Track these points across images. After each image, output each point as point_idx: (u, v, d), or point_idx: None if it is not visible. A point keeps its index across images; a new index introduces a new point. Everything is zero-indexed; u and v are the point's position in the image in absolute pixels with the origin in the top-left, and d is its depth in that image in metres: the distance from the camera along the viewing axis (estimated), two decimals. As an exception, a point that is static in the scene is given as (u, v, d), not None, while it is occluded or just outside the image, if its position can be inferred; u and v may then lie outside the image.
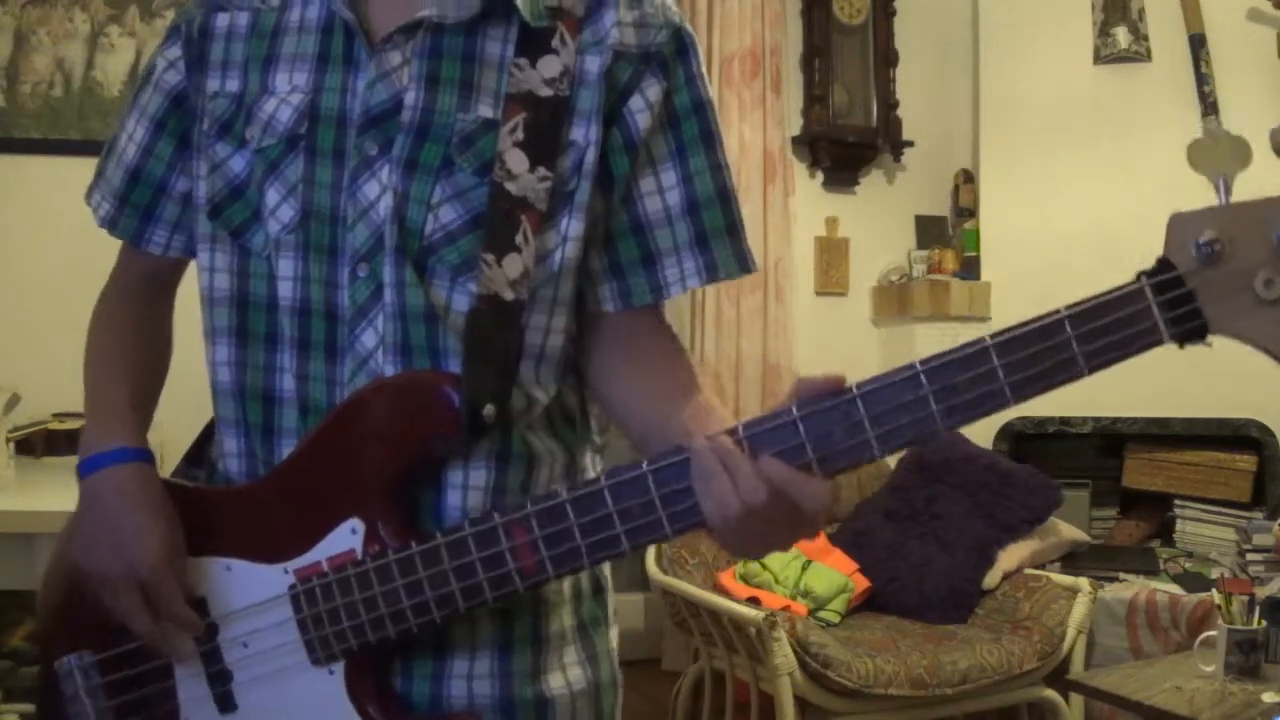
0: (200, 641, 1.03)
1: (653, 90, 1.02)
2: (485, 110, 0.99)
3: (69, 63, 3.58)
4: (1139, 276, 0.80)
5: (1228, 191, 0.80)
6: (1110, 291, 0.80)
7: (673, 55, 1.03)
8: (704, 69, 1.06)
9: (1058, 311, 0.80)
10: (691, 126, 1.04)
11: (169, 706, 1.05)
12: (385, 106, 0.99)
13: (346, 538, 0.97)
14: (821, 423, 0.84)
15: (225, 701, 1.03)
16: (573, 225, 1.00)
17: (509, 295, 0.98)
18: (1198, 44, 3.93)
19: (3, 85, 3.53)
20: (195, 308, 1.10)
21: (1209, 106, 3.88)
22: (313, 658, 0.99)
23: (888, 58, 4.34)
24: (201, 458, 1.15)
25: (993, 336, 0.81)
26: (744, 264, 1.07)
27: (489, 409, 0.96)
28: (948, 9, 4.42)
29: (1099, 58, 4.07)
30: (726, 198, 1.06)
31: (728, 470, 0.85)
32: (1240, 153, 0.81)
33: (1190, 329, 0.79)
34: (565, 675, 1.05)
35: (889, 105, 4.35)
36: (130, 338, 1.15)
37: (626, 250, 1.04)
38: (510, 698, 1.02)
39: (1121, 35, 4.01)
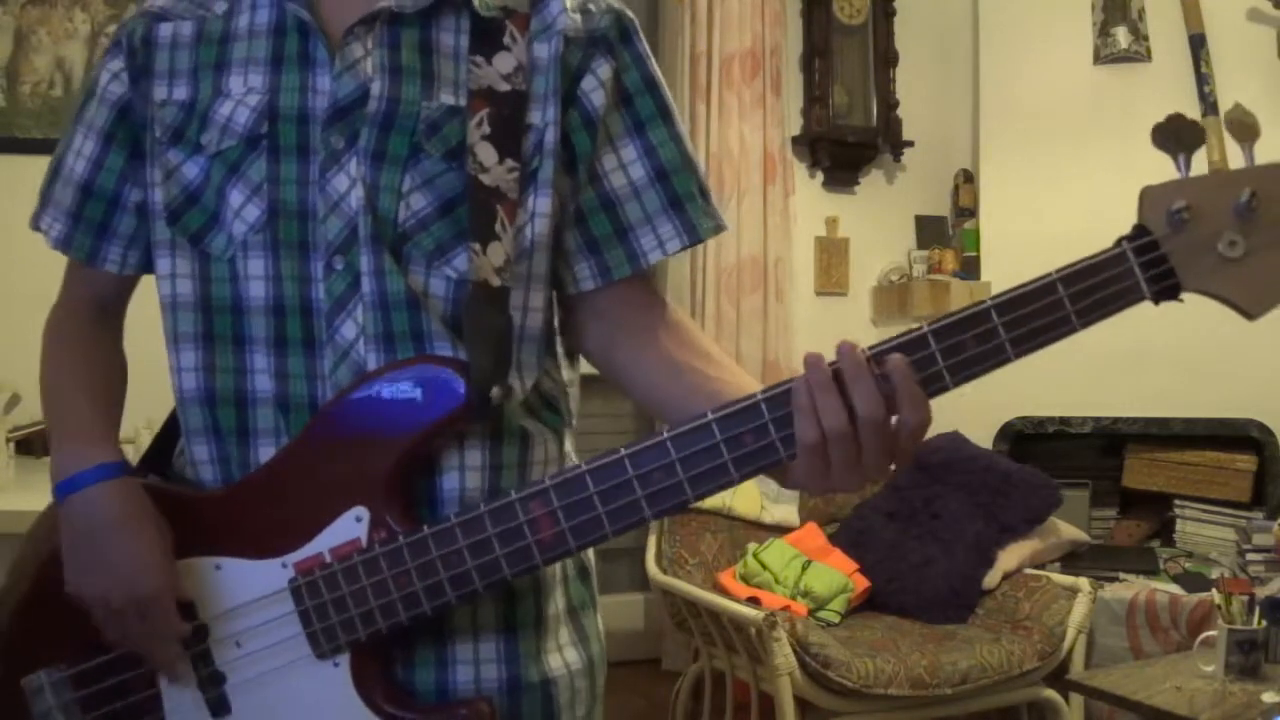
0: (189, 645, 1.01)
1: (603, 69, 1.05)
2: (448, 98, 1.02)
3: (69, 63, 3.58)
4: (1119, 242, 0.89)
5: (1187, 167, 0.91)
6: (1095, 255, 0.89)
7: (617, 39, 1.07)
8: (649, 51, 1.10)
9: (1050, 274, 0.89)
10: (646, 103, 1.08)
11: (154, 717, 1.04)
12: (354, 97, 1.01)
13: (351, 526, 0.97)
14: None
15: (219, 705, 1.02)
16: (539, 202, 1.03)
17: (496, 281, 1.00)
18: (1198, 44, 3.93)
19: (3, 85, 3.54)
20: (148, 314, 1.08)
21: (1209, 106, 3.88)
22: (317, 651, 0.98)
23: (888, 58, 4.33)
24: (159, 461, 1.13)
25: (993, 299, 0.90)
26: (718, 223, 1.10)
27: (496, 391, 0.98)
28: (948, 9, 4.42)
29: (1099, 58, 4.07)
30: (692, 165, 1.09)
31: (850, 381, 0.89)
32: (1195, 135, 0.93)
33: (1166, 287, 0.88)
34: (562, 655, 1.07)
35: (889, 105, 4.34)
36: (90, 355, 1.13)
37: (598, 226, 1.07)
38: (517, 679, 1.03)
39: (1121, 35, 4.01)
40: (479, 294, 1.00)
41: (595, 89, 1.05)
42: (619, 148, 1.07)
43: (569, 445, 1.13)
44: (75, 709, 1.05)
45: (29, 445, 2.86)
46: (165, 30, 1.08)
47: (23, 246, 3.31)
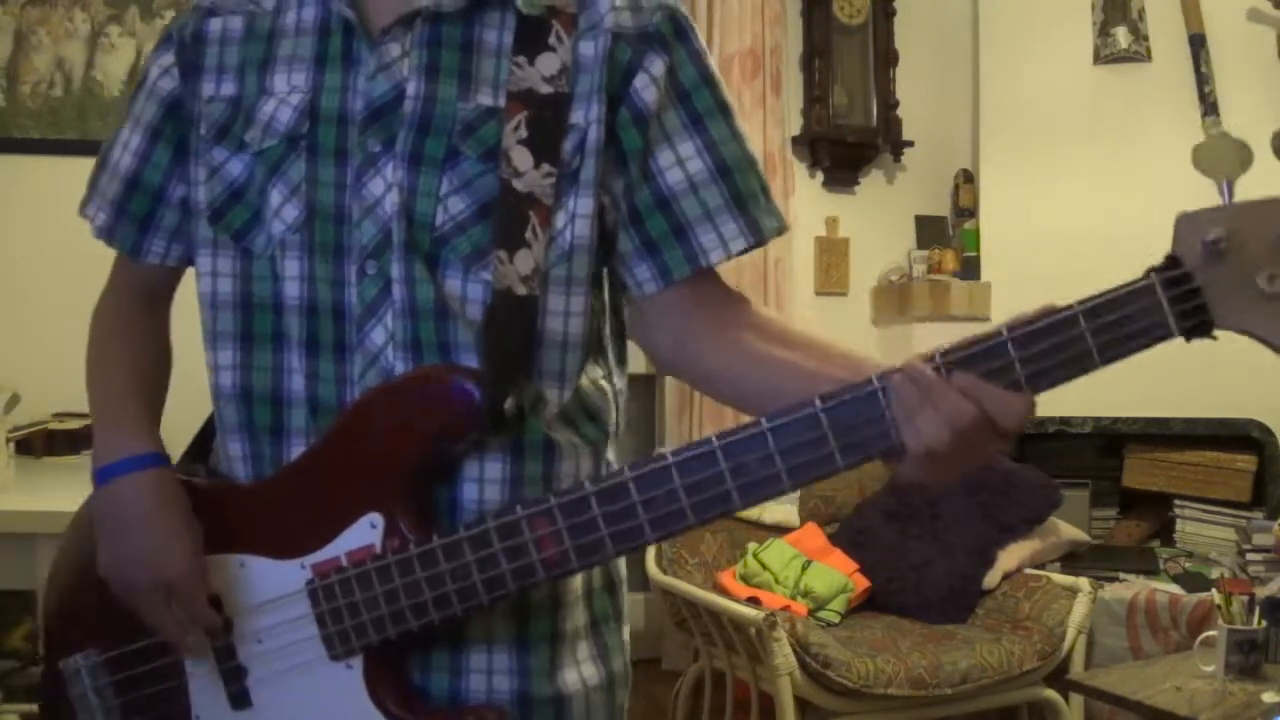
0: (215, 638, 1.03)
1: (656, 66, 1.02)
2: (485, 99, 1.00)
3: (69, 63, 3.58)
4: (1148, 273, 0.82)
5: (1230, 192, 0.83)
6: (1122, 287, 0.83)
7: (671, 35, 1.03)
8: (706, 48, 1.06)
9: (1071, 306, 0.83)
10: (704, 97, 1.04)
11: (180, 705, 1.05)
12: (388, 98, 1.00)
13: (365, 532, 0.98)
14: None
15: (239, 698, 1.03)
16: (580, 203, 1.01)
17: (521, 290, 0.98)
18: (1198, 44, 3.92)
19: (3, 85, 3.53)
20: (194, 308, 1.09)
21: (1209, 106, 3.88)
22: (331, 653, 0.99)
23: (888, 58, 4.34)
24: (203, 454, 1.15)
25: (1009, 330, 0.84)
26: (780, 223, 1.06)
27: (509, 403, 0.97)
28: (948, 9, 4.42)
29: (1099, 58, 4.07)
30: (754, 162, 1.06)
31: (930, 400, 0.84)
32: (1243, 156, 0.85)
33: (1197, 323, 0.82)
34: (580, 671, 1.05)
35: (889, 105, 4.34)
36: (134, 344, 1.15)
37: (655, 225, 1.03)
38: (528, 695, 1.02)
39: (1121, 35, 4.01)
40: (500, 303, 0.98)
41: (647, 85, 1.01)
42: (676, 144, 1.03)
43: (611, 455, 1.10)
44: (109, 692, 1.07)
45: (29, 445, 2.87)
46: (215, 25, 1.08)
47: (22, 247, 3.32)
